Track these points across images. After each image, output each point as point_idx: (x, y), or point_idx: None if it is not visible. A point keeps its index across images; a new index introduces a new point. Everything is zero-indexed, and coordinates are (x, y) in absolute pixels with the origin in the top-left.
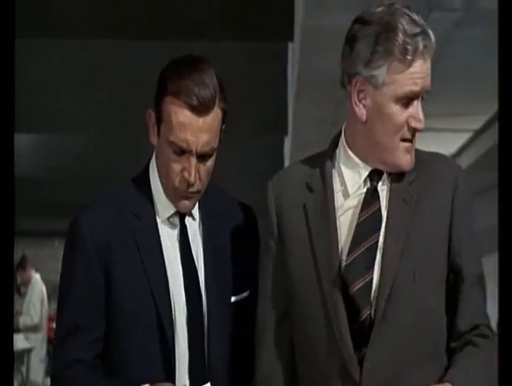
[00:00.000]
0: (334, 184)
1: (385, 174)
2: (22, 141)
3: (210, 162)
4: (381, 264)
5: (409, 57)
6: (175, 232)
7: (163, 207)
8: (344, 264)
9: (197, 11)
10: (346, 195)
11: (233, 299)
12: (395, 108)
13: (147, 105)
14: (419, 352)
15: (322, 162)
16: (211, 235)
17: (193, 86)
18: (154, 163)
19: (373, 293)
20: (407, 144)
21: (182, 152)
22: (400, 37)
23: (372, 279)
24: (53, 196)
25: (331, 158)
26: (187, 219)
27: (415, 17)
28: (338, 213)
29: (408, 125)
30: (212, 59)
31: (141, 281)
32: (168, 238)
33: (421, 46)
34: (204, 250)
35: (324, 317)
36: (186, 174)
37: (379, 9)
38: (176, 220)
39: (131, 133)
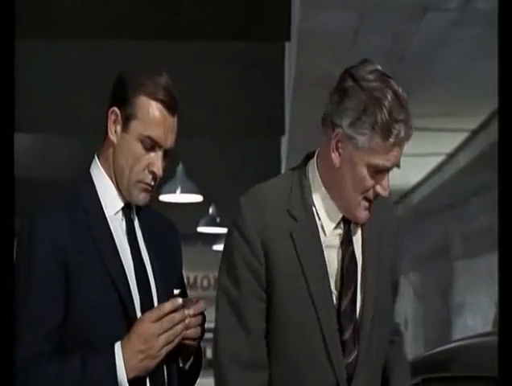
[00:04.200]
0: (315, 218)
1: None
2: (20, 142)
3: (166, 161)
4: (361, 314)
5: (391, 140)
6: (123, 226)
7: (111, 202)
8: (341, 309)
9: (193, 11)
10: (324, 232)
11: (175, 292)
12: (365, 172)
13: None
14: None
15: (298, 189)
16: (148, 231)
17: (167, 88)
18: (98, 163)
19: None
20: (367, 203)
21: (151, 147)
22: (386, 118)
23: (358, 324)
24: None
25: (305, 187)
26: (132, 215)
27: (402, 96)
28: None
29: (374, 189)
30: (209, 60)
31: (102, 273)
32: (117, 232)
33: (402, 133)
34: (145, 245)
35: (319, 339)
36: (154, 168)
37: (371, 76)
38: (122, 215)
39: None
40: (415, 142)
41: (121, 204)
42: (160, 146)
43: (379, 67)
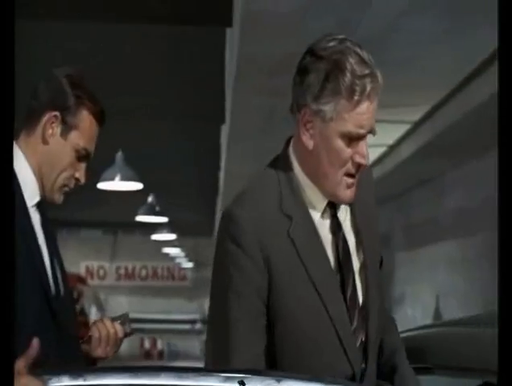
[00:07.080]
0: (309, 211)
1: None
2: None
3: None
4: (366, 301)
5: (356, 98)
6: (37, 219)
7: (30, 195)
8: (347, 298)
9: None
10: (314, 222)
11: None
12: (341, 144)
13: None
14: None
15: (287, 186)
16: (46, 224)
17: (101, 105)
18: (19, 150)
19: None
20: (350, 180)
21: (83, 157)
22: (348, 77)
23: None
24: None
25: (290, 180)
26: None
27: (365, 56)
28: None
29: (353, 160)
30: (147, 44)
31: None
32: (36, 226)
33: (368, 88)
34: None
35: (327, 321)
36: (81, 177)
37: (331, 43)
38: (36, 208)
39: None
40: None
41: (38, 198)
42: (90, 157)
43: (341, 36)
